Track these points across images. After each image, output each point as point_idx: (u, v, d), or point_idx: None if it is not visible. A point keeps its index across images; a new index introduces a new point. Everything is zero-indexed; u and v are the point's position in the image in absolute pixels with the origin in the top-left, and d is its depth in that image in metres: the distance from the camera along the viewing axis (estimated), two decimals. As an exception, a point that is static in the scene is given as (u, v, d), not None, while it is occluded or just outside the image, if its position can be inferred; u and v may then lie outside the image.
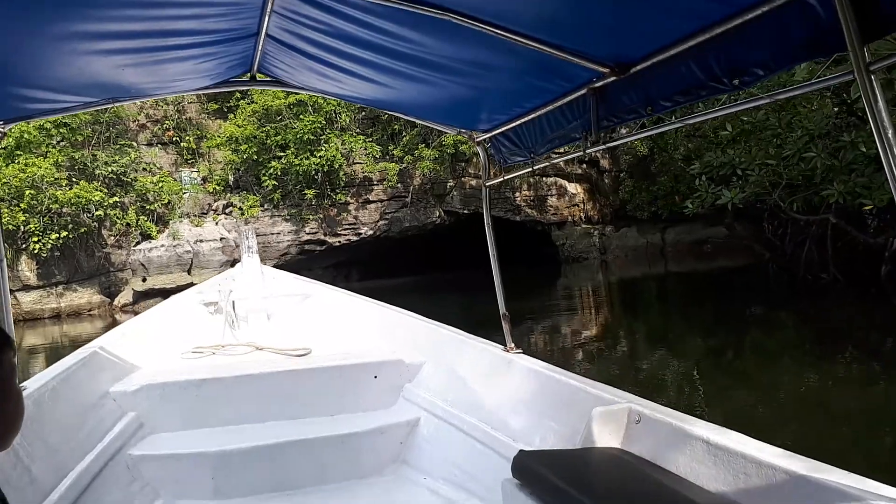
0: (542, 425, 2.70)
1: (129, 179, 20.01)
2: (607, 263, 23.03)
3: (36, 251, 18.52)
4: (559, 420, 2.62)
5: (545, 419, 2.70)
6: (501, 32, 2.10)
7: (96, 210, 18.98)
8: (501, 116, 2.95)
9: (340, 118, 21.09)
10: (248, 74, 2.85)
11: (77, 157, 19.40)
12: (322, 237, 21.26)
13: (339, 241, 21.54)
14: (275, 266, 20.14)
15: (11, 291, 18.36)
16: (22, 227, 18.40)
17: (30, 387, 2.75)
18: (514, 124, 2.91)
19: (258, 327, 4.48)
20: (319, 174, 20.41)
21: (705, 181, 12.49)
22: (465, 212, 22.66)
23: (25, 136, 18.70)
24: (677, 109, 2.22)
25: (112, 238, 19.80)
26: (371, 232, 21.69)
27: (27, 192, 18.13)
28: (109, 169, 19.65)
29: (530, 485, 2.07)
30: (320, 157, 20.11)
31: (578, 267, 22.75)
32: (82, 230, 18.96)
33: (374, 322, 4.29)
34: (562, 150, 2.81)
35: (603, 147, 2.61)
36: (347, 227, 21.55)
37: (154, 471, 3.01)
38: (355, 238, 21.52)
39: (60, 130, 19.20)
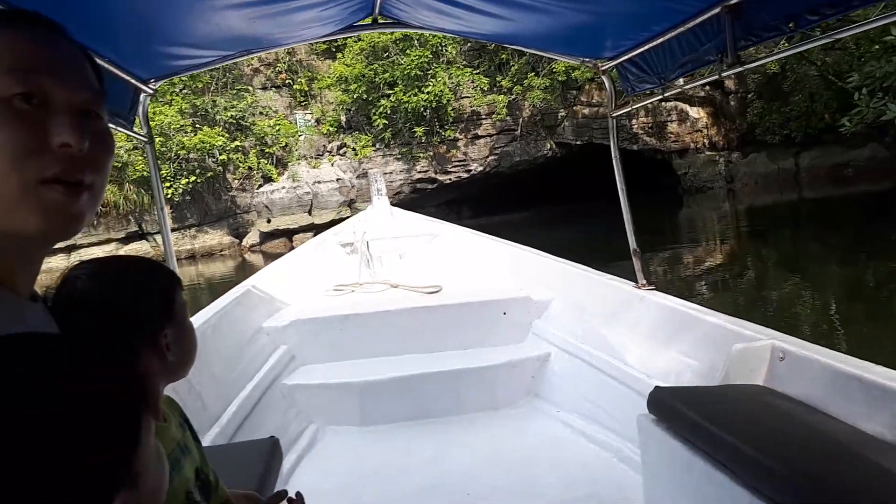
0: (677, 362, 2.72)
1: (247, 124, 21.10)
2: (734, 192, 21.71)
3: (169, 196, 20.13)
4: (696, 357, 2.63)
5: (681, 356, 2.71)
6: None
7: (220, 154, 20.27)
8: (627, 42, 2.87)
9: (447, 51, 20.90)
10: (370, 17, 2.92)
11: (199, 104, 20.64)
12: (433, 175, 21.56)
13: (450, 179, 21.72)
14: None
15: (151, 234, 20.45)
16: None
17: (194, 322, 3.12)
18: (641, 50, 2.83)
19: (391, 266, 4.78)
20: (428, 111, 20.51)
21: (866, 95, 11.23)
22: (578, 143, 22.02)
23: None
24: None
25: (236, 181, 21.19)
26: (481, 168, 21.69)
27: (157, 140, 19.64)
28: (229, 114, 20.79)
29: (667, 420, 2.09)
30: (428, 92, 20.15)
31: (702, 197, 21.61)
32: (209, 174, 20.37)
33: (501, 260, 4.43)
34: (694, 74, 2.72)
35: (740, 69, 2.46)
36: (457, 164, 21.66)
37: (306, 398, 3.34)
38: (465, 175, 21.64)
39: (182, 78, 20.51)
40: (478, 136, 21.69)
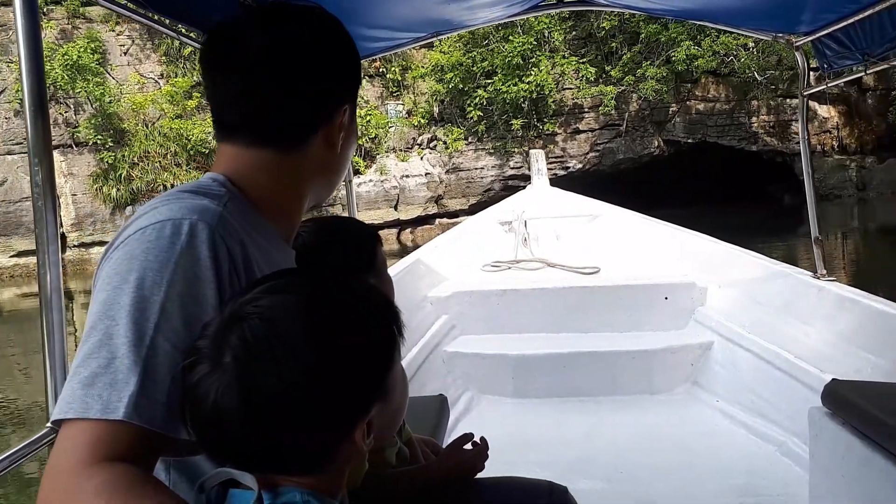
0: (856, 356, 2.74)
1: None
2: (866, 202, 20.57)
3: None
4: (878, 352, 2.64)
5: (860, 350, 2.73)
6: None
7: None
8: (829, 15, 2.84)
9: (552, 37, 20.92)
10: None
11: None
12: (526, 172, 21.55)
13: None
14: (477, 203, 20.98)
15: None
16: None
17: None
18: (845, 23, 2.77)
19: (548, 246, 5.06)
20: (527, 102, 20.63)
21: None
22: (689, 140, 21.55)
23: None
24: None
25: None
26: (580, 165, 21.57)
27: None
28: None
29: (843, 414, 2.11)
30: (529, 82, 20.25)
31: (828, 206, 20.59)
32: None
33: (664, 243, 4.60)
34: None
35: None
36: (554, 160, 21.54)
37: (464, 366, 3.65)
38: (562, 172, 21.55)
39: None
40: (578, 131, 21.63)
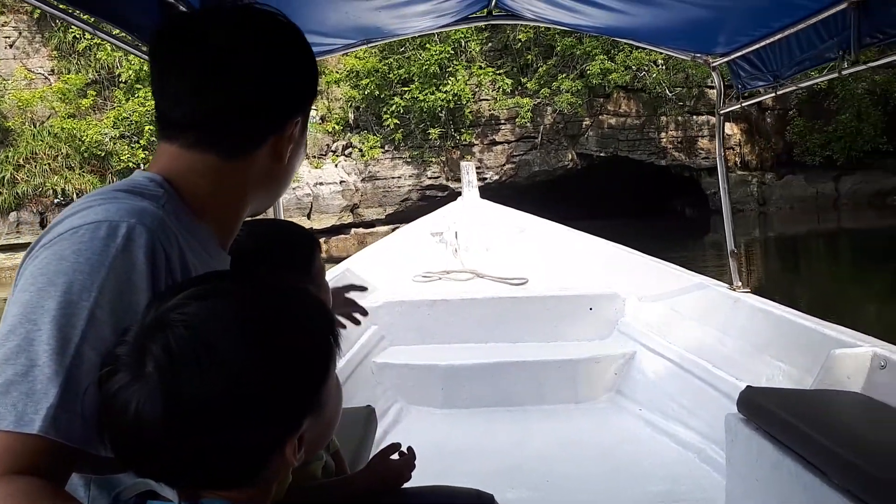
0: (769, 365, 2.92)
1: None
2: (767, 216, 22.02)
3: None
4: (790, 361, 2.82)
5: (773, 359, 2.92)
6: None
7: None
8: (742, 38, 3.05)
9: (469, 47, 21.24)
10: (486, 10, 3.19)
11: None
12: (444, 182, 21.77)
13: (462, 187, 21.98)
14: (394, 213, 20.91)
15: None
16: (142, 165, 20.13)
17: None
18: (756, 46, 3.00)
19: (478, 257, 5.16)
20: (444, 112, 20.84)
21: None
22: (602, 154, 22.35)
23: (145, 67, 19.88)
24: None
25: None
26: (496, 177, 21.94)
27: (146, 129, 19.39)
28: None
29: (757, 420, 2.24)
30: (446, 91, 20.49)
31: (734, 219, 21.86)
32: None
33: (589, 255, 4.80)
34: (812, 72, 2.89)
35: (862, 68, 2.63)
36: (471, 170, 21.91)
37: (393, 378, 3.69)
38: (479, 183, 21.72)
39: None
40: (495, 143, 22.04)
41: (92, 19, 1.93)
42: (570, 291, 4.21)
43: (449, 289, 4.47)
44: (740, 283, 3.45)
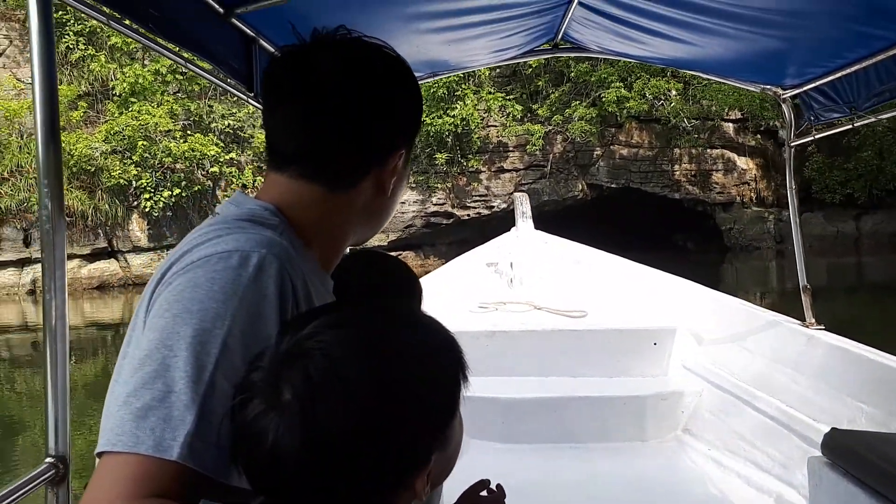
0: (849, 406, 2.91)
1: (246, 135, 21.52)
2: (784, 254, 22.15)
3: (147, 209, 20.15)
4: (873, 403, 2.82)
5: (854, 401, 2.91)
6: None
7: (211, 166, 20.48)
8: (815, 70, 3.09)
9: (478, 71, 21.54)
10: (552, 43, 3.30)
11: (193, 109, 20.98)
12: (449, 209, 21.95)
13: (468, 215, 22.18)
14: (398, 239, 20.97)
15: (122, 252, 20.32)
16: (134, 182, 20.01)
17: None
18: (830, 77, 3.04)
19: (534, 288, 5.20)
20: (451, 136, 21.05)
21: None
22: (613, 185, 22.61)
23: (140, 81, 20.01)
24: None
25: (227, 199, 21.41)
26: (504, 205, 22.08)
27: (140, 143, 19.61)
28: (226, 122, 21.23)
29: (843, 464, 2.23)
30: (454, 115, 20.78)
31: (747, 257, 22.03)
32: (196, 188, 20.49)
33: (652, 287, 4.82)
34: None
35: None
36: (478, 198, 22.08)
37: None
38: (486, 212, 22.02)
39: (177, 77, 20.59)
40: (503, 170, 22.28)
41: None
42: (632, 325, 4.24)
43: (507, 320, 4.49)
44: (814, 320, 3.46)
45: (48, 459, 1.29)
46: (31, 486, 1.22)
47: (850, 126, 3.17)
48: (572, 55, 4.93)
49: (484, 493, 1.45)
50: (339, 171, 1.03)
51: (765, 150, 23.81)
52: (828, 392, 3.06)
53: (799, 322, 3.51)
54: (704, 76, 3.90)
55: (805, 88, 3.25)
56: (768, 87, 3.47)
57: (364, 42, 1.03)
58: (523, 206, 6.20)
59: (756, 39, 2.91)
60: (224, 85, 2.48)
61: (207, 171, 20.66)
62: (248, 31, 2.34)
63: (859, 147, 21.82)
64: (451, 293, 4.93)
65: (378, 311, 0.85)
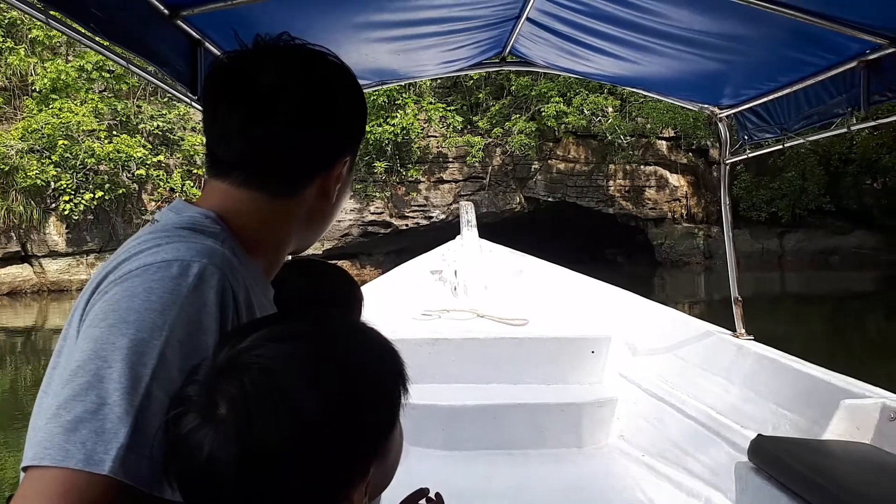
0: (776, 413, 3.06)
1: (175, 138, 20.95)
2: (713, 270, 22.99)
3: (66, 212, 19.18)
4: (797, 411, 2.96)
5: (780, 408, 3.06)
6: (762, 3, 2.29)
7: (137, 168, 19.75)
8: (749, 91, 3.27)
9: (419, 81, 21.65)
10: (499, 57, 3.41)
11: (120, 108, 20.15)
12: (388, 218, 21.93)
13: (407, 224, 22.22)
14: (333, 248, 20.79)
15: (36, 257, 19.39)
16: (52, 184, 19.04)
17: None
18: (764, 100, 3.21)
19: (477, 296, 5.31)
20: (390, 146, 21.05)
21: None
22: (550, 199, 23.04)
23: (63, 77, 19.10)
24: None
25: (153, 203, 20.78)
26: (443, 216, 22.23)
27: (60, 143, 18.64)
28: (155, 123, 20.54)
29: (769, 469, 2.35)
30: (394, 124, 20.76)
31: (677, 272, 22.78)
32: (120, 191, 19.72)
33: (589, 297, 4.98)
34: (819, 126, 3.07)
35: (871, 124, 2.84)
36: (417, 208, 22.13)
37: None
38: (425, 222, 22.08)
39: (103, 74, 19.72)
40: (442, 181, 22.42)
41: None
42: (572, 333, 4.38)
43: (450, 327, 4.57)
44: (744, 331, 3.63)
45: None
46: None
47: (781, 146, 3.36)
48: (519, 69, 5.06)
49: (423, 501, 1.45)
50: (283, 178, 1.03)
51: (696, 167, 24.71)
52: (756, 400, 3.20)
53: (730, 332, 3.68)
54: (645, 93, 4.06)
55: (740, 109, 3.42)
56: (706, 106, 3.65)
57: (308, 49, 1.04)
58: (468, 214, 6.29)
59: (695, 60, 3.05)
60: (166, 87, 2.46)
61: (133, 174, 19.94)
62: (194, 33, 2.33)
63: (784, 167, 22.91)
64: (394, 300, 5.00)
65: (319, 324, 0.85)
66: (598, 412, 3.89)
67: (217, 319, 0.88)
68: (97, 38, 1.79)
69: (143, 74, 2.22)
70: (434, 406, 3.75)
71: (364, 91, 3.45)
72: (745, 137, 3.53)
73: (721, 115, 3.61)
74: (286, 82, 1.00)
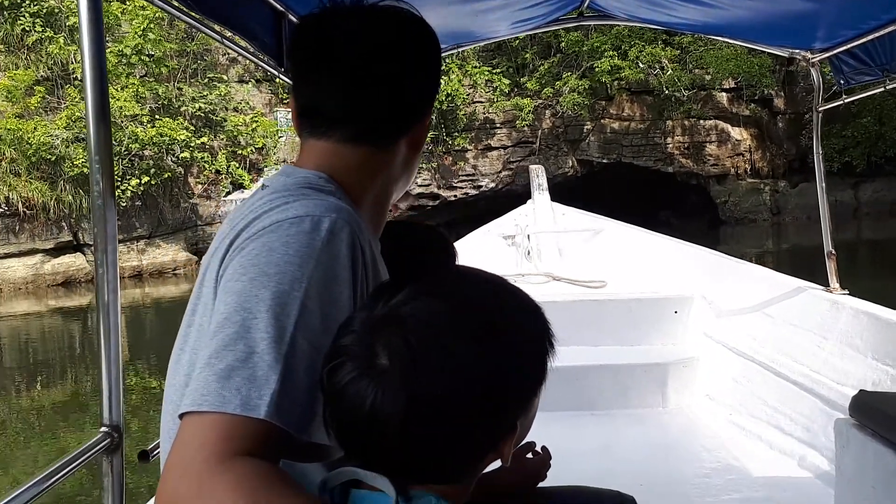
0: (875, 369, 3.03)
1: (218, 119, 21.38)
2: (781, 226, 22.51)
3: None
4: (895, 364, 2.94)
5: (880, 364, 3.03)
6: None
7: (181, 152, 20.24)
8: (847, 32, 3.13)
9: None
10: (577, 11, 3.37)
11: (161, 92, 20.62)
12: (435, 190, 22.05)
13: (455, 195, 22.32)
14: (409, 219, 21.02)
15: (88, 246, 19.88)
16: (100, 171, 19.86)
17: None
18: (862, 40, 3.08)
19: (551, 260, 5.42)
20: (435, 114, 21.02)
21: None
22: (604, 161, 22.82)
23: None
24: None
25: (200, 186, 21.28)
26: (493, 185, 22.22)
27: None
28: (197, 105, 20.99)
29: (872, 425, 2.31)
30: (439, 91, 20.67)
31: (744, 230, 22.36)
32: (166, 175, 20.24)
33: (671, 257, 4.99)
34: None
35: None
36: (465, 178, 22.17)
37: None
38: (474, 192, 22.12)
39: (143, 58, 20.16)
40: (490, 148, 22.38)
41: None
42: (652, 294, 4.40)
43: (525, 291, 4.64)
44: (838, 285, 3.60)
45: (103, 429, 1.37)
46: (87, 454, 1.29)
47: (883, 88, 3.18)
48: (599, 23, 5.05)
49: (530, 455, 1.53)
50: (384, 131, 1.10)
51: (759, 119, 24.07)
52: (853, 356, 3.17)
53: (822, 287, 3.65)
54: (732, 42, 4.00)
55: (836, 52, 3.31)
56: (797, 51, 3.56)
57: (395, 8, 1.11)
58: (539, 178, 6.41)
59: (785, 2, 3.01)
60: (256, 60, 2.56)
61: (178, 157, 20.42)
62: (278, 5, 2.41)
63: (858, 113, 22.12)
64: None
65: (467, 279, 0.90)
66: (683, 372, 3.92)
67: (350, 272, 0.94)
68: (192, 13, 1.88)
69: (235, 48, 2.32)
70: None
71: (444, 53, 3.47)
72: (842, 82, 3.42)
73: (814, 60, 3.50)
74: (387, 38, 1.08)
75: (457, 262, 1.72)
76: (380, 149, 1.10)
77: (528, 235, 5.58)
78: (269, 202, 0.99)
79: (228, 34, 2.22)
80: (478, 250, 5.50)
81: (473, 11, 3.00)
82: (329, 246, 0.92)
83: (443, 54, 3.58)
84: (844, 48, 3.26)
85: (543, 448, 1.55)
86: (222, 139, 21.39)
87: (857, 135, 22.23)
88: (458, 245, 5.82)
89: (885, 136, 22.03)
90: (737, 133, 23.73)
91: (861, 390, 2.54)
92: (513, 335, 0.82)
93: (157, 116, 20.36)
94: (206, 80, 21.59)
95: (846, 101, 3.58)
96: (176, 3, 1.84)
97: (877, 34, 2.98)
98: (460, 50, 3.71)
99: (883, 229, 20.64)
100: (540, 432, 3.53)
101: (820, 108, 3.80)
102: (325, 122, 1.08)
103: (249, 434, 0.81)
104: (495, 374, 0.78)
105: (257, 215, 0.97)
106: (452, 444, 0.78)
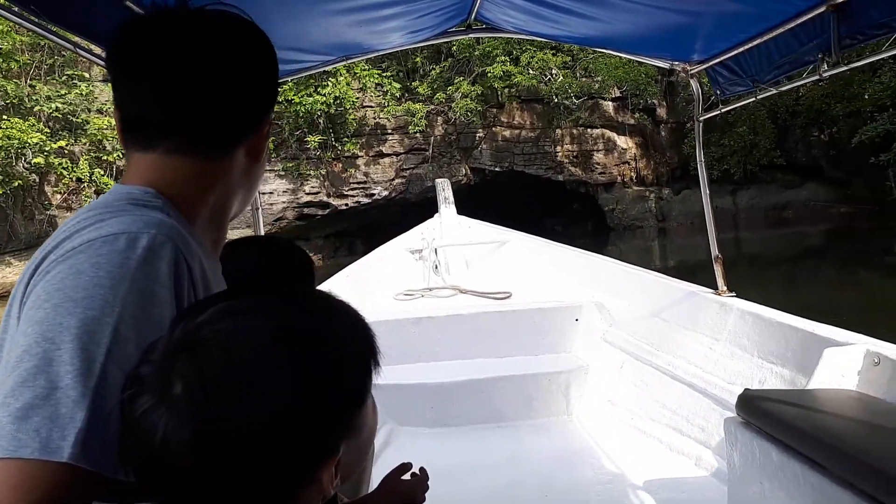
0: (761, 368, 3.33)
1: (79, 121, 20.09)
2: (667, 232, 23.77)
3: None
4: (783, 363, 3.24)
5: (765, 362, 3.34)
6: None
7: (34, 157, 18.77)
8: (720, 44, 3.44)
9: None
10: (465, 24, 3.56)
11: (10, 90, 19.04)
12: (325, 198, 21.70)
13: (346, 204, 22.06)
14: (266, 233, 20.61)
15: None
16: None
17: None
18: (734, 52, 3.38)
19: (459, 273, 5.59)
20: (323, 118, 20.86)
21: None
22: (496, 169, 23.33)
23: None
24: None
25: (59, 196, 20.04)
26: (385, 193, 22.09)
27: None
28: (53, 105, 19.56)
29: (758, 422, 2.53)
30: (325, 94, 20.49)
31: (631, 237, 23.51)
32: (16, 183, 18.72)
33: (572, 267, 5.25)
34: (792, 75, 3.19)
35: (843, 69, 2.93)
36: (356, 186, 21.98)
37: (382, 398, 3.88)
38: (366, 200, 21.97)
39: None
40: (382, 154, 22.32)
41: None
42: (554, 303, 4.63)
43: (432, 306, 4.80)
44: (725, 288, 3.88)
45: None
46: None
47: (754, 98, 3.50)
48: (486, 35, 5.29)
49: (407, 475, 1.51)
50: (215, 139, 1.05)
51: (644, 128, 25.31)
52: (741, 356, 3.46)
53: (711, 290, 3.95)
54: (615, 53, 4.36)
55: (711, 63, 3.60)
56: (677, 62, 3.84)
57: (216, 11, 1.06)
58: (446, 191, 6.66)
59: (665, 15, 3.21)
60: (85, 54, 2.45)
61: (31, 163, 18.87)
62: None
63: (734, 123, 23.78)
64: (374, 282, 5.23)
65: (283, 297, 0.85)
66: (585, 379, 4.13)
67: (172, 291, 0.88)
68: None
69: (62, 42, 2.19)
70: (421, 385, 3.99)
71: (328, 67, 3.61)
72: (718, 92, 3.72)
73: (693, 71, 3.79)
74: (211, 44, 1.03)
75: (314, 285, 1.67)
76: (212, 159, 1.05)
77: (436, 249, 5.79)
78: (83, 220, 0.93)
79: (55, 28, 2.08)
80: (385, 266, 5.70)
81: (357, 22, 3.11)
82: (146, 265, 0.87)
83: (330, 67, 3.69)
84: (719, 60, 3.54)
85: (421, 469, 1.53)
86: (84, 143, 20.18)
87: (733, 144, 23.90)
88: (365, 260, 6.02)
89: (759, 144, 23.79)
90: (622, 142, 24.86)
91: (746, 389, 2.75)
92: (324, 354, 0.79)
93: (4, 116, 18.76)
94: (65, 78, 20.39)
95: (723, 110, 3.89)
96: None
97: (746, 46, 3.28)
98: (349, 62, 3.79)
99: (761, 233, 22.18)
100: (447, 447, 3.69)
101: (701, 118, 4.09)
102: (148, 134, 1.02)
103: (49, 480, 0.76)
104: (300, 397, 0.75)
105: (69, 234, 0.91)
106: (255, 475, 0.74)
